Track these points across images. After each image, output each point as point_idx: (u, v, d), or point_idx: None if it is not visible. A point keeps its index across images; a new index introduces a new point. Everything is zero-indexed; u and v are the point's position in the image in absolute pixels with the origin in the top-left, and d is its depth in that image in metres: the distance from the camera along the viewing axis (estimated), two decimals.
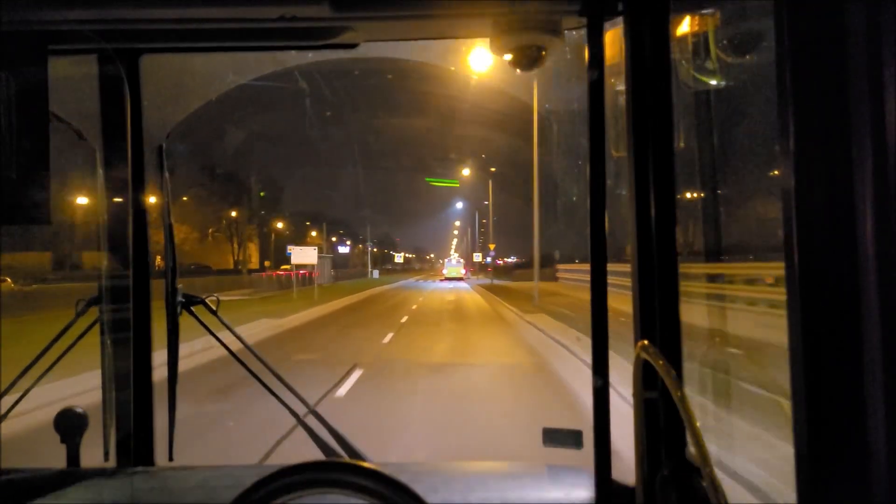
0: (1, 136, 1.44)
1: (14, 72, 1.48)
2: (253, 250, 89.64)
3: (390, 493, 1.48)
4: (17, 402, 2.15)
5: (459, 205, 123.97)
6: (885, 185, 0.79)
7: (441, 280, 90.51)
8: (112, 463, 2.30)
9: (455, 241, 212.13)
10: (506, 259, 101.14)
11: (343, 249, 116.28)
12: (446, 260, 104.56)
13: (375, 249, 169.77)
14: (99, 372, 2.35)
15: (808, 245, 0.85)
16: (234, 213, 65.17)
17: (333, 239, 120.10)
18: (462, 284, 73.82)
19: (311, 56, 2.49)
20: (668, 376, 1.47)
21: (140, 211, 2.33)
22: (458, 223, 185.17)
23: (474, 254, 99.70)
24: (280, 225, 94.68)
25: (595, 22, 1.75)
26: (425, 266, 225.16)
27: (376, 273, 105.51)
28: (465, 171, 76.48)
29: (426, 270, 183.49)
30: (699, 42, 1.79)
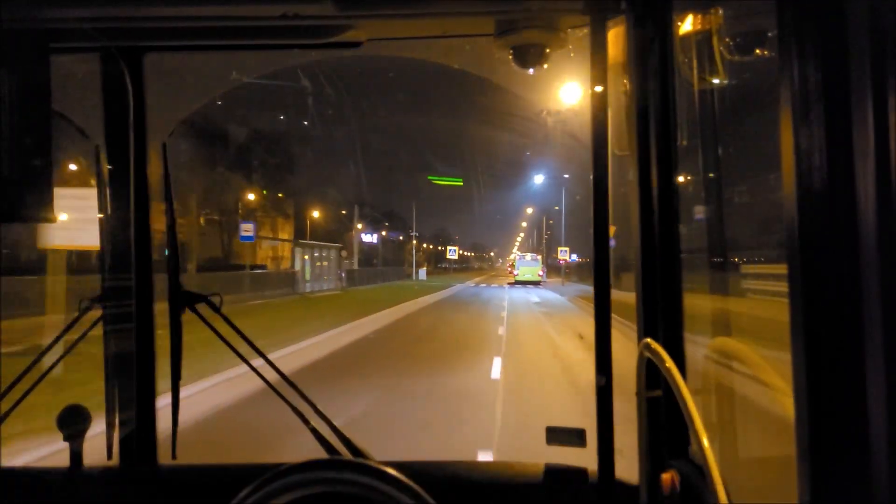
0: (3, 135, 1.44)
1: (16, 70, 1.48)
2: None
3: (393, 490, 1.48)
4: (19, 401, 2.15)
5: (539, 178, 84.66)
6: (887, 184, 0.79)
7: (510, 284, 65.87)
8: (115, 461, 2.30)
9: (521, 235, 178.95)
10: (567, 259, 74.37)
11: (368, 238, 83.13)
12: (517, 257, 74.85)
13: (427, 245, 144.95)
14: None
15: (809, 243, 0.85)
16: (234, 198, 51.70)
17: (382, 233, 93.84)
18: (549, 294, 45.31)
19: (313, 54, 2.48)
20: (672, 375, 1.47)
21: (143, 208, 2.33)
22: (529, 210, 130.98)
23: (559, 249, 67.87)
24: (316, 213, 74.49)
25: (598, 20, 1.76)
26: (485, 265, 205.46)
27: (423, 273, 77.21)
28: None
29: (486, 270, 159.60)
30: (702, 40, 1.79)
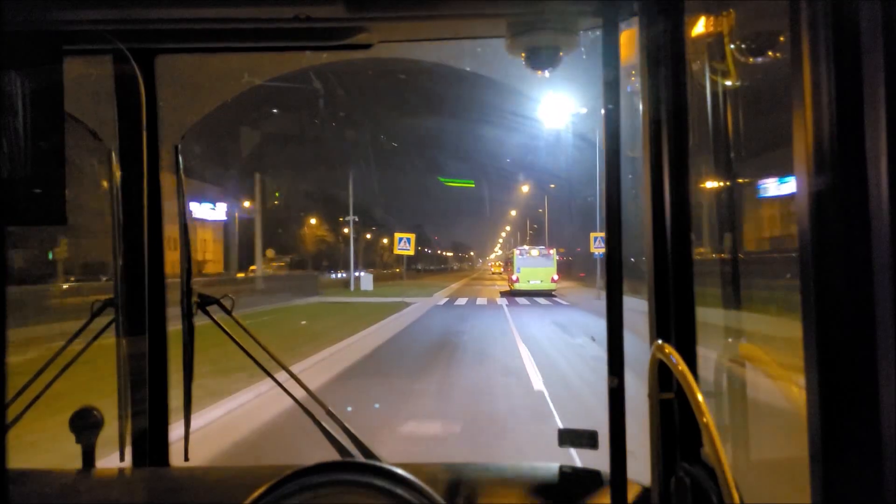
0: (17, 137, 1.45)
1: (29, 72, 1.49)
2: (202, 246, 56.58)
3: (406, 493, 1.48)
4: (32, 403, 2.16)
5: (552, 119, 28.45)
6: None
7: (504, 293, 44.02)
8: (127, 463, 2.31)
9: (507, 229, 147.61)
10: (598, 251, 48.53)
11: (202, 212, 50.76)
12: (517, 252, 45.68)
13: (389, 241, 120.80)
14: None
15: (822, 245, 0.85)
16: None
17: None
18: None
19: (325, 56, 2.48)
20: (684, 377, 1.46)
21: (155, 211, 2.34)
22: (525, 188, 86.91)
23: (593, 236, 40.43)
24: (246, 203, 56.54)
25: (610, 22, 1.75)
26: (465, 265, 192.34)
27: (368, 280, 48.85)
28: None
29: (466, 272, 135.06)
30: (714, 42, 1.79)
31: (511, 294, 42.57)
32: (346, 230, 70.13)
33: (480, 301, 37.28)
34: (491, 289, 52.69)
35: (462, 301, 37.47)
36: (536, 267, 43.12)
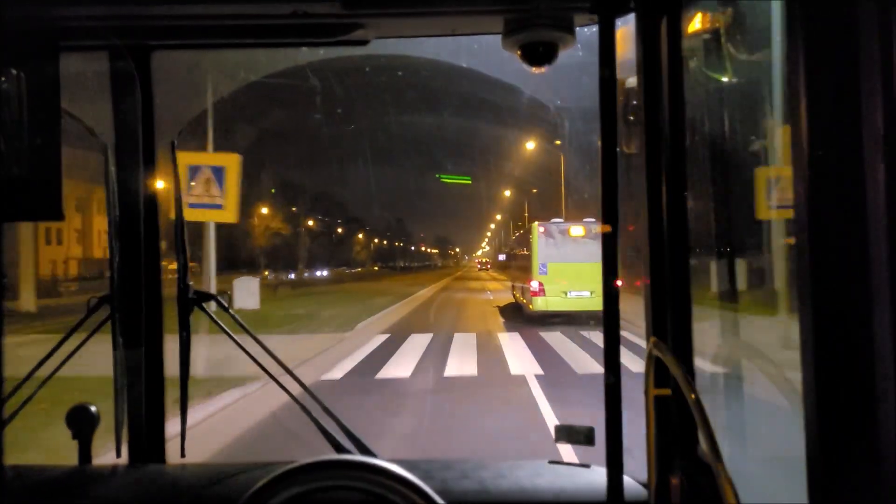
0: (12, 133, 1.44)
1: (25, 68, 1.48)
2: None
3: (401, 489, 1.48)
4: (28, 399, 2.16)
5: None
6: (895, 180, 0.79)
7: (508, 313, 26.22)
8: (124, 460, 2.31)
9: (497, 218, 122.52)
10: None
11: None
12: (539, 231, 21.33)
13: (379, 239, 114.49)
14: None
15: (819, 243, 0.85)
16: None
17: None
18: None
19: (322, 52, 2.48)
20: (681, 374, 1.46)
21: (151, 207, 2.34)
22: (530, 145, 46.20)
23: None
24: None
25: (607, 18, 1.75)
26: (449, 262, 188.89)
27: (251, 290, 19.58)
28: None
29: (450, 269, 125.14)
30: (711, 39, 1.79)
31: (525, 317, 23.56)
32: (310, 222, 63.72)
33: (459, 356, 15.59)
34: (481, 300, 34.12)
35: (409, 361, 14.96)
36: (583, 262, 21.37)
